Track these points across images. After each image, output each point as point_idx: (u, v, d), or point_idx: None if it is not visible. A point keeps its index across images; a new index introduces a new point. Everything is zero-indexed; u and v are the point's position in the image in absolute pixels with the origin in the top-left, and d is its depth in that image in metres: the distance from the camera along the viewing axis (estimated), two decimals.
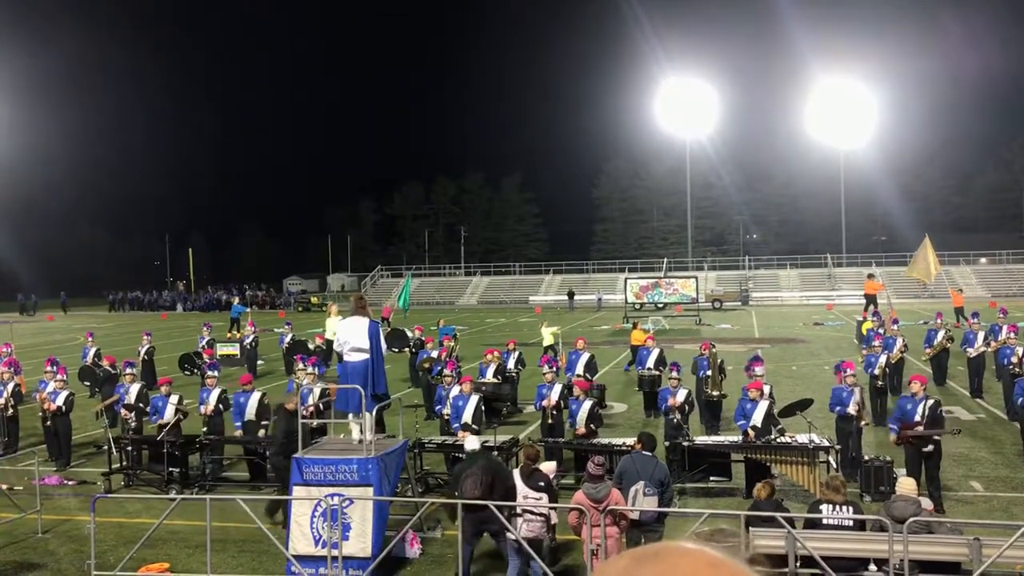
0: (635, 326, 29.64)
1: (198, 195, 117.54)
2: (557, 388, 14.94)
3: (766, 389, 14.11)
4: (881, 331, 21.88)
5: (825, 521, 9.23)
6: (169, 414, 14.73)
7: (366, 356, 11.11)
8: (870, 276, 39.04)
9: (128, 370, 16.94)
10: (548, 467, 10.68)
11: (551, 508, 9.76)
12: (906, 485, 9.52)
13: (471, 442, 10.86)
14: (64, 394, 16.07)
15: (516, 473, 9.86)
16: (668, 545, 0.82)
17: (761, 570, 0.81)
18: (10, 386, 16.98)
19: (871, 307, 33.99)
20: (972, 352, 20.51)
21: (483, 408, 14.23)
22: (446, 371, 15.81)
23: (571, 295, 61.74)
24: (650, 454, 10.12)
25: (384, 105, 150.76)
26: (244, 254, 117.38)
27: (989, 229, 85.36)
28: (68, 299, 77.26)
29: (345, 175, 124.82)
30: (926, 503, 9.57)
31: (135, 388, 16.21)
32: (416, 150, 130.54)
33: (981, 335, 20.68)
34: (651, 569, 0.78)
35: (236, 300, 51.96)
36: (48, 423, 16.09)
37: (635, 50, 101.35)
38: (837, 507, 9.31)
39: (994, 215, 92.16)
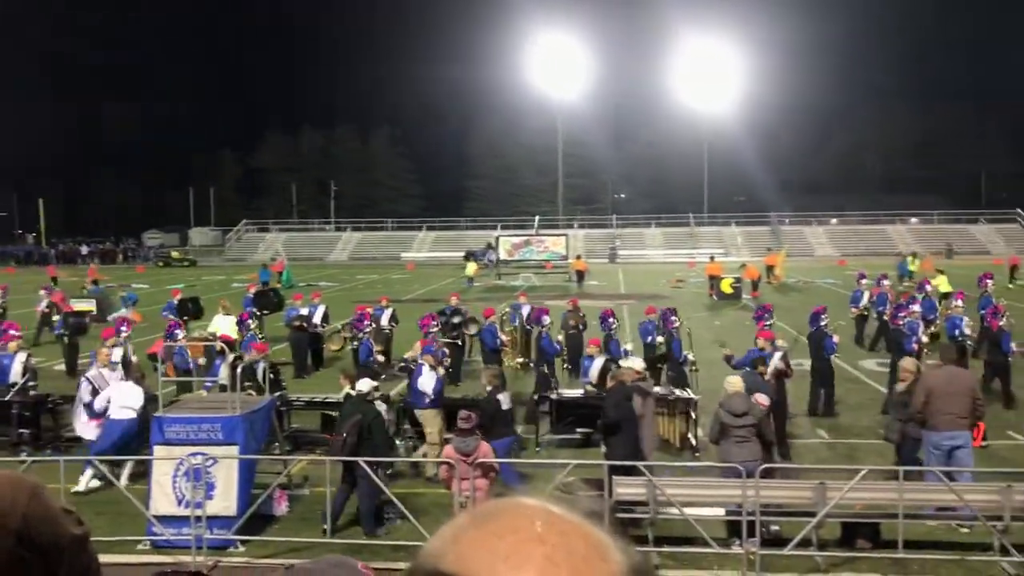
0: (578, 257, 32.97)
1: (49, 142, 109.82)
2: None
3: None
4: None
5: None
6: (17, 373, 13.99)
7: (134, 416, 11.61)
8: (712, 258, 40.74)
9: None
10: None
11: (420, 461, 9.86)
12: (734, 383, 10.36)
13: (364, 383, 10.87)
14: None
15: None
16: (508, 501, 0.82)
17: (598, 522, 0.82)
18: None
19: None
20: (855, 311, 21.77)
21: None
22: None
23: (489, 246, 60.04)
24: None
25: (249, 50, 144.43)
26: (100, 205, 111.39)
27: (839, 191, 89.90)
28: None
29: (207, 123, 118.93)
30: (762, 398, 10.35)
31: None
32: (282, 98, 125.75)
33: (866, 295, 21.87)
34: (488, 527, 0.78)
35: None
36: None
37: (507, 3, 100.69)
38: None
39: (844, 177, 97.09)
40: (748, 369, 12.52)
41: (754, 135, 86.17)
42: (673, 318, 15.89)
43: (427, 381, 12.36)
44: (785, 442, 12.70)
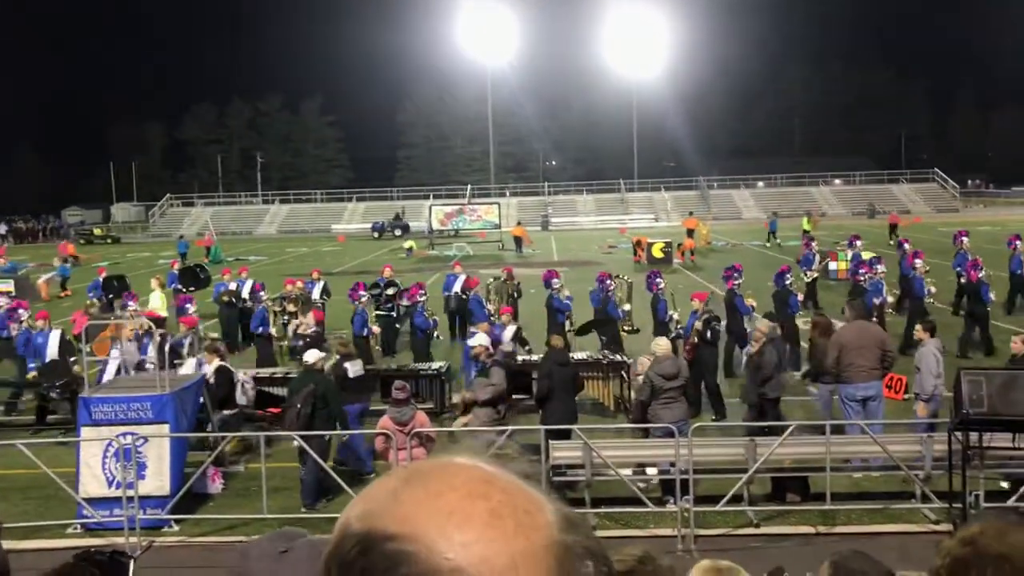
0: (518, 224, 33.27)
1: None
2: None
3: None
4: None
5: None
6: None
7: None
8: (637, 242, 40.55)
9: None
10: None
11: (360, 434, 9.81)
12: (662, 346, 10.51)
13: (310, 355, 10.68)
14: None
15: None
16: (440, 462, 0.81)
17: (531, 482, 0.81)
18: None
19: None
20: (809, 275, 21.56)
21: None
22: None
23: (397, 217, 61.12)
24: None
25: (172, 19, 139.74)
26: (16, 182, 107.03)
27: (766, 154, 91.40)
28: None
29: (129, 94, 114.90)
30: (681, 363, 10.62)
31: None
32: (208, 68, 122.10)
33: (817, 257, 22.24)
34: (422, 488, 0.77)
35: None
36: None
37: None
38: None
39: (770, 141, 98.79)
40: None
41: (682, 100, 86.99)
42: (658, 280, 15.98)
43: None
44: (715, 400, 12.96)
